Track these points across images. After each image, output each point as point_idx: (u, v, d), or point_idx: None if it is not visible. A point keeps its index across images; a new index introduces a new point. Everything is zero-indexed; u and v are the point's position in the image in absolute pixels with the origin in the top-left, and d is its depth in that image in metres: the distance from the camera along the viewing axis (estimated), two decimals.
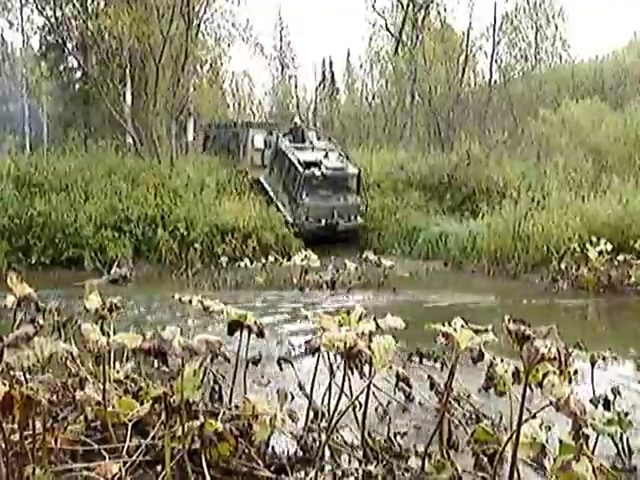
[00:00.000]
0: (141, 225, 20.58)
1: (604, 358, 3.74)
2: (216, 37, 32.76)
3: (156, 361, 2.87)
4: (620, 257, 13.14)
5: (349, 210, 21.84)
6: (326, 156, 22.06)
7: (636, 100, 24.45)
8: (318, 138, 25.09)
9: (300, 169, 21.32)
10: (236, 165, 25.34)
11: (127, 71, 30.13)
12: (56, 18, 29.72)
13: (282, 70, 48.63)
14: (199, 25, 30.25)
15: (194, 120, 35.62)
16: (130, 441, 2.72)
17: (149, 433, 2.83)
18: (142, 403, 2.94)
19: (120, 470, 2.45)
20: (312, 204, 21.21)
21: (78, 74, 34.43)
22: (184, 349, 2.38)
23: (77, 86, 34.85)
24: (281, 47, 48.74)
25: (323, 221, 21.15)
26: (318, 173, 21.24)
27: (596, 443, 2.91)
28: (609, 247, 13.45)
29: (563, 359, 1.83)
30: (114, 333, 2.81)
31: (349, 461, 2.97)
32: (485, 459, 2.66)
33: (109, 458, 2.58)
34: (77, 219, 19.32)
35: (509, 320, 1.94)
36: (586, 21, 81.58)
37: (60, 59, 34.04)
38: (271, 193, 23.17)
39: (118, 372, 3.74)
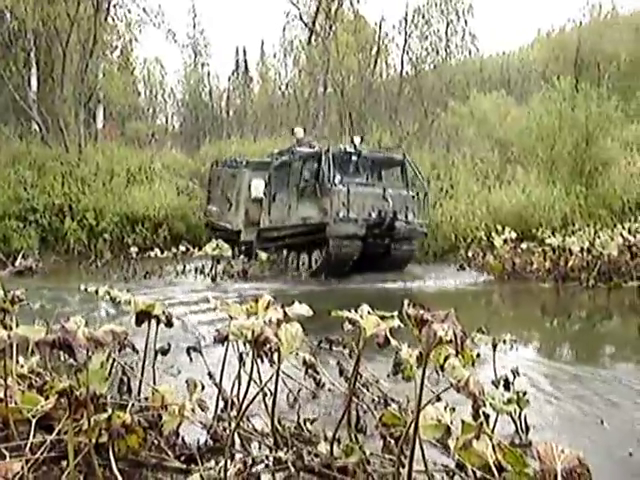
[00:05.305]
0: (47, 215, 20.03)
1: (505, 341, 3.91)
2: (127, 22, 31.86)
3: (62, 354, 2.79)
4: (523, 245, 13.76)
5: (406, 202, 14.59)
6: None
7: (539, 95, 25.41)
8: None
9: (324, 152, 14.53)
10: (224, 222, 17.87)
11: (32, 55, 28.96)
12: None
13: (195, 58, 47.82)
14: (108, 9, 29.38)
15: (104, 107, 34.70)
16: (34, 437, 2.65)
17: (55, 428, 2.76)
18: (47, 398, 2.86)
19: (23, 468, 2.38)
20: (351, 190, 13.86)
21: None
22: (89, 340, 2.33)
23: None
24: (194, 34, 47.89)
25: (374, 215, 13.86)
26: (351, 149, 14.78)
27: (496, 422, 3.05)
28: (513, 235, 14.07)
29: (460, 341, 1.91)
30: (17, 326, 2.72)
31: (259, 448, 3.00)
32: (392, 442, 2.73)
33: (10, 457, 2.50)
34: None
35: (409, 305, 2.01)
36: (494, 18, 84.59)
37: None
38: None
39: (22, 367, 3.62)
